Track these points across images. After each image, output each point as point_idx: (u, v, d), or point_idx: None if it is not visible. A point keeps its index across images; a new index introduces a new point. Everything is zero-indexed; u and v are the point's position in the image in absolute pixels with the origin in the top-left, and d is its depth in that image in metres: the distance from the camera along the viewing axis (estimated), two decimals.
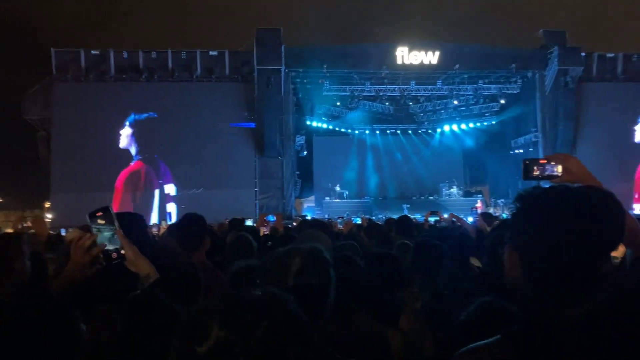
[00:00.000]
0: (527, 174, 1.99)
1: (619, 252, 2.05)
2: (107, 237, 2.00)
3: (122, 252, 2.00)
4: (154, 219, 21.12)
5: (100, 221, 2.00)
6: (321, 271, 1.83)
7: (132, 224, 2.48)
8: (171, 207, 22.24)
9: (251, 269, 2.51)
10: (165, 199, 22.37)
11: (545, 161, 1.98)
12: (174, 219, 20.16)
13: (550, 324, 1.21)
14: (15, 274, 2.41)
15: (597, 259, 1.25)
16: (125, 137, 22.25)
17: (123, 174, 22.14)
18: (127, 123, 22.26)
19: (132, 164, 22.37)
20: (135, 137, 22.44)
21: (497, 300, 2.07)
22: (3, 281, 2.34)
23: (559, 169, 1.95)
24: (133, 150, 22.42)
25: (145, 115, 22.38)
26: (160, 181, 22.36)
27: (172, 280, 2.13)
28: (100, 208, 2.02)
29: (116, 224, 2.01)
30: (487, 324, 1.29)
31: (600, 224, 1.25)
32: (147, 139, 22.34)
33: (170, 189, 22.32)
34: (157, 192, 22.40)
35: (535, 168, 1.98)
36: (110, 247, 2.00)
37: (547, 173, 1.97)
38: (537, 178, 1.99)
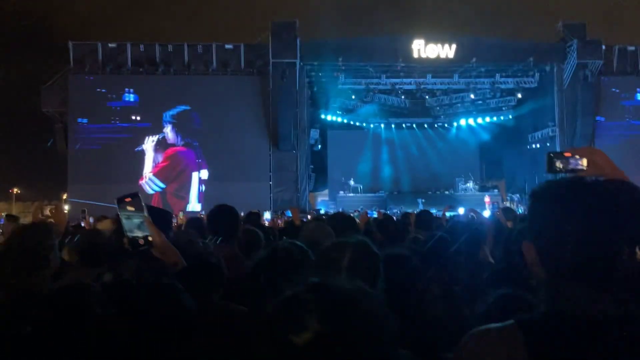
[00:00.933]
0: (551, 167, 1.95)
1: None
2: (136, 224, 2.00)
3: (150, 239, 2.00)
4: (193, 198, 22.82)
5: (129, 207, 1.99)
6: (370, 265, 1.80)
7: (161, 216, 2.50)
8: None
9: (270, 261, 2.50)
10: (200, 182, 23.27)
11: (570, 154, 1.94)
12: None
13: (564, 317, 1.19)
14: (50, 265, 2.44)
15: (618, 254, 1.21)
16: (169, 132, 23.10)
17: (170, 151, 23.14)
18: (165, 122, 22.97)
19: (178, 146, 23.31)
20: (176, 129, 23.09)
21: (517, 292, 2.04)
22: (39, 272, 2.36)
23: (584, 162, 1.90)
24: (179, 141, 23.21)
25: (176, 109, 22.93)
26: (199, 163, 23.24)
27: (194, 270, 2.14)
28: (130, 194, 2.02)
29: (145, 211, 2.01)
30: (507, 316, 1.27)
31: (617, 217, 1.22)
32: (186, 129, 23.10)
33: (204, 173, 23.15)
34: (195, 174, 23.13)
35: (559, 161, 1.95)
36: (138, 233, 2.00)
37: (571, 167, 1.92)
38: (561, 171, 1.96)
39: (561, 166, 1.94)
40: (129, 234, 1.98)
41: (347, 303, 0.96)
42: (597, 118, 23.72)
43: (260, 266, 2.29)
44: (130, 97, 22.73)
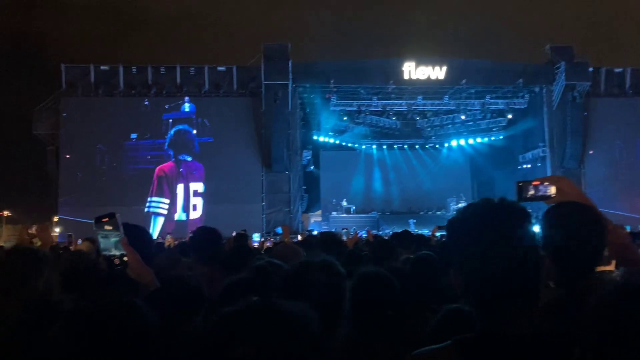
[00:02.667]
0: (520, 195, 2.05)
1: (611, 266, 2.08)
2: (112, 243, 2.04)
3: (125, 259, 2.01)
4: (178, 206, 23.11)
5: (107, 227, 2.04)
6: (334, 285, 1.80)
7: (138, 235, 2.50)
8: (196, 200, 23.12)
9: (244, 282, 2.51)
10: (190, 193, 23.29)
11: (538, 182, 2.04)
12: (199, 210, 22.88)
13: (497, 336, 1.25)
14: (30, 290, 2.40)
15: (528, 279, 1.27)
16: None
17: (159, 169, 23.33)
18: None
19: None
20: (170, 145, 23.29)
21: (462, 308, 2.07)
22: (17, 296, 2.33)
23: (552, 189, 2.00)
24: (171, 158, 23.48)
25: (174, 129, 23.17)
26: (183, 179, 23.35)
27: (173, 291, 2.14)
28: (107, 214, 2.06)
29: (121, 230, 2.04)
30: (452, 332, 1.31)
31: (516, 238, 1.27)
32: (177, 145, 23.28)
33: (197, 186, 23.21)
34: (180, 186, 23.16)
35: (528, 189, 2.02)
36: (115, 252, 2.03)
37: (540, 194, 2.02)
38: (530, 199, 2.04)
39: (531, 193, 2.02)
40: (105, 253, 2.01)
41: (282, 323, 0.97)
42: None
43: (233, 285, 2.30)
44: (123, 120, 22.75)
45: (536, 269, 1.28)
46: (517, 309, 1.26)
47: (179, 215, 22.95)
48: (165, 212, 22.84)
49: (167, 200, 22.92)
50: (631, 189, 23.03)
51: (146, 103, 22.85)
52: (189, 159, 23.30)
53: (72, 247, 7.90)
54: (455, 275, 1.34)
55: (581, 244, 1.81)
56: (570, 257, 1.79)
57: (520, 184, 2.04)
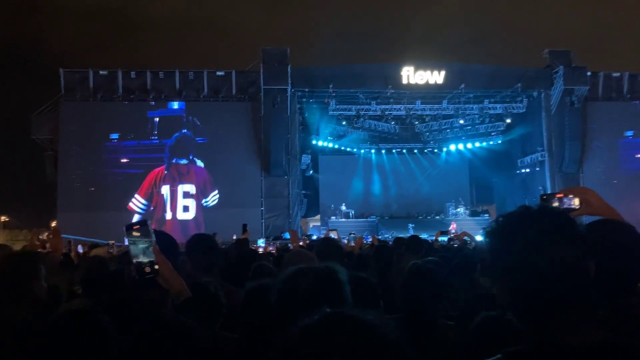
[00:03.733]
0: None
1: None
2: (141, 249, 2.00)
3: (156, 267, 1.98)
4: (168, 210, 22.89)
5: (135, 233, 2.00)
6: (333, 293, 1.75)
7: (168, 243, 2.49)
8: (188, 202, 22.97)
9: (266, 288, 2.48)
10: (179, 194, 23.11)
11: (562, 195, 1.98)
12: (191, 211, 22.78)
13: (555, 347, 1.19)
14: (34, 293, 2.39)
15: (581, 285, 1.23)
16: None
17: (151, 174, 23.19)
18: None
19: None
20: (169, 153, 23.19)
21: (499, 313, 2.03)
22: (21, 300, 2.32)
23: (577, 201, 1.95)
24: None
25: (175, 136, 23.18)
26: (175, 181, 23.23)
27: (196, 300, 2.11)
28: (139, 221, 2.04)
29: (152, 237, 2.01)
30: (490, 340, 1.27)
31: (573, 249, 1.23)
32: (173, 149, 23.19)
33: (189, 187, 23.13)
34: (166, 187, 22.98)
35: (552, 202, 1.97)
36: (144, 259, 1.99)
37: (564, 206, 1.95)
38: None
39: (555, 206, 1.96)
40: (135, 260, 1.98)
41: (368, 333, 0.92)
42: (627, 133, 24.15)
43: (254, 292, 2.27)
44: (122, 125, 22.70)
45: (586, 276, 1.24)
46: (574, 319, 1.21)
47: (162, 215, 22.71)
48: (140, 211, 22.52)
49: (145, 202, 22.74)
50: (630, 193, 23.04)
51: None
52: (184, 162, 23.22)
53: (72, 254, 7.86)
54: (501, 286, 1.30)
55: (623, 262, 1.75)
56: (611, 276, 1.73)
57: (545, 196, 1.99)
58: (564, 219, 1.29)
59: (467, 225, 20.85)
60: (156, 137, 23.00)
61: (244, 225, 6.79)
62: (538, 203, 1.37)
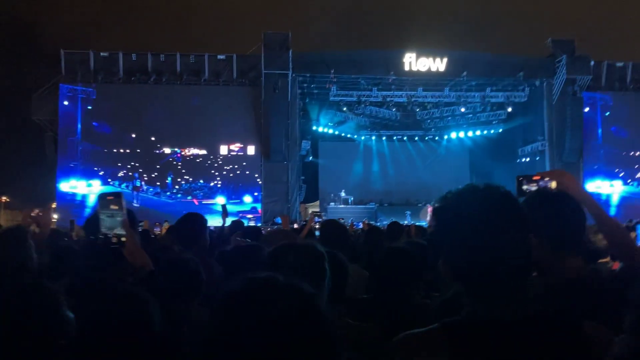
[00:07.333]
0: (520, 189, 2.02)
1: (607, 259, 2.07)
2: (118, 222, 2.02)
3: (123, 239, 2.00)
4: None
5: (113, 206, 2.02)
6: (315, 266, 1.81)
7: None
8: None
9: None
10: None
11: (539, 177, 2.01)
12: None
13: (486, 321, 1.26)
14: (27, 268, 2.42)
15: (520, 262, 1.27)
16: None
17: None
18: None
19: None
20: None
21: (458, 297, 2.08)
22: (16, 275, 2.34)
23: (553, 184, 1.98)
24: None
25: None
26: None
27: (172, 275, 2.14)
28: (113, 192, 2.05)
29: (125, 211, 2.03)
30: (455, 312, 1.33)
31: (504, 222, 1.27)
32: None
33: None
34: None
35: (528, 184, 2.00)
36: (119, 231, 2.01)
37: (540, 189, 1.99)
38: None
39: (530, 189, 2.00)
40: (108, 232, 2.00)
41: (290, 300, 0.96)
42: None
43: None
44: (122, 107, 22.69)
45: (526, 254, 1.27)
46: (506, 295, 1.26)
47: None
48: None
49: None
50: (631, 183, 23.03)
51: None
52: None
53: (74, 234, 7.91)
54: (444, 262, 1.34)
55: (560, 225, 1.79)
56: (550, 237, 1.77)
57: (521, 178, 2.02)
58: (507, 198, 1.32)
59: None
60: None
61: (224, 207, 6.85)
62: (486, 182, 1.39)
